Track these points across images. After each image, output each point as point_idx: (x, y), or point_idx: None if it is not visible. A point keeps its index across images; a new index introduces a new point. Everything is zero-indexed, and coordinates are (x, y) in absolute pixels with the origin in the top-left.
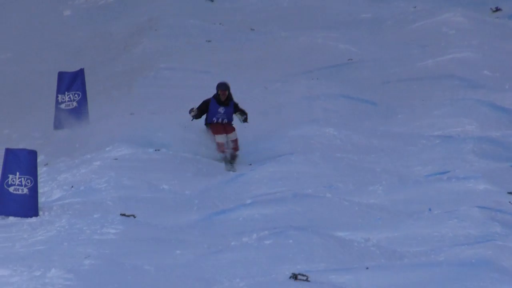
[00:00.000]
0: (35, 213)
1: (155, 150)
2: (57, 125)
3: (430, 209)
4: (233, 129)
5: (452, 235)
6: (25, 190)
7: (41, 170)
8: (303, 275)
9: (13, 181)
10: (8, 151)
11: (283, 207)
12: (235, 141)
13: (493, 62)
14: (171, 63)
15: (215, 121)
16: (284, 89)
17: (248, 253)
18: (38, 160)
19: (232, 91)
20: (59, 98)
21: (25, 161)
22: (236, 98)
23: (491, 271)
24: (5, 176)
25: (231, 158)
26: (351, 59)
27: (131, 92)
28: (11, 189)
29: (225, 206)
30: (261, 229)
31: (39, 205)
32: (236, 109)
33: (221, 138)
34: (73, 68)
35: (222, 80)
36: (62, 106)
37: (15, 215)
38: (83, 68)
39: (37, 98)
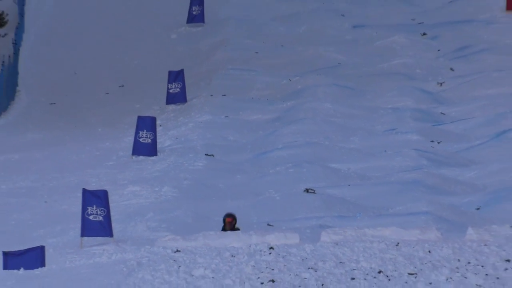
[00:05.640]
0: (155, 154)
1: (225, 116)
2: (168, 101)
3: (385, 151)
4: None
5: (398, 165)
6: (149, 140)
7: (158, 128)
8: (311, 189)
9: (143, 135)
10: (139, 118)
11: (300, 149)
12: None
13: (422, 64)
14: (235, 66)
15: None
16: (301, 80)
17: (280, 177)
18: (157, 122)
19: (271, 84)
20: (169, 86)
21: (150, 124)
22: (274, 85)
23: (421, 187)
24: (137, 132)
25: None
26: (339, 63)
27: (211, 83)
28: (141, 139)
29: (267, 149)
30: (287, 162)
31: (158, 149)
32: None
33: None
34: (176, 68)
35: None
36: (171, 90)
37: (144, 155)
38: (183, 69)
39: (156, 86)
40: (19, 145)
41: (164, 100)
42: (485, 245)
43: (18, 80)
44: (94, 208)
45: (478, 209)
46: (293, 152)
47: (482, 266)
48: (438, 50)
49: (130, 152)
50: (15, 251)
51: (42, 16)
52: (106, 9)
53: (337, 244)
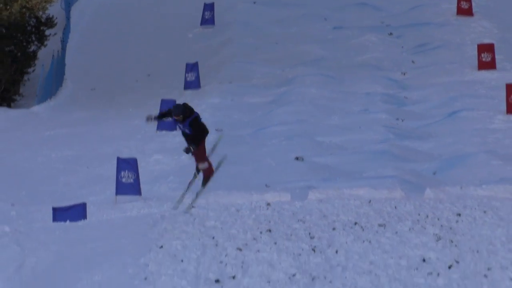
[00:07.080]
0: (175, 129)
1: (231, 100)
2: (186, 87)
3: (360, 127)
4: (198, 159)
5: (370, 138)
6: (170, 119)
7: None
8: (301, 158)
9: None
10: (162, 100)
11: (291, 126)
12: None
13: (389, 58)
14: (239, 59)
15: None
16: (292, 70)
17: (276, 147)
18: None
19: (268, 74)
20: (186, 75)
21: (170, 106)
22: (270, 75)
23: (388, 155)
24: (160, 111)
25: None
26: (323, 57)
27: (220, 73)
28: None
29: (264, 125)
30: (281, 136)
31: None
32: (195, 128)
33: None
34: (192, 61)
35: (179, 103)
36: (188, 78)
37: (166, 129)
38: (197, 61)
39: (176, 75)
40: (66, 122)
41: (183, 86)
42: (440, 202)
43: (65, 70)
44: (126, 172)
45: (434, 173)
46: (285, 128)
47: (438, 219)
48: (402, 46)
49: (155, 128)
50: (62, 206)
51: (84, 19)
52: (136, 13)
53: (321, 201)
